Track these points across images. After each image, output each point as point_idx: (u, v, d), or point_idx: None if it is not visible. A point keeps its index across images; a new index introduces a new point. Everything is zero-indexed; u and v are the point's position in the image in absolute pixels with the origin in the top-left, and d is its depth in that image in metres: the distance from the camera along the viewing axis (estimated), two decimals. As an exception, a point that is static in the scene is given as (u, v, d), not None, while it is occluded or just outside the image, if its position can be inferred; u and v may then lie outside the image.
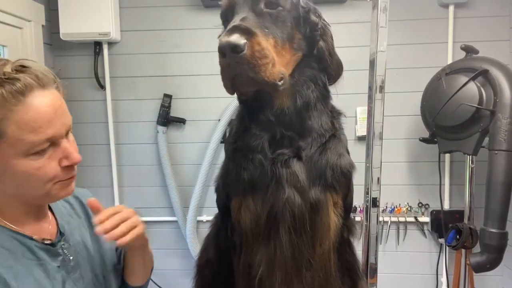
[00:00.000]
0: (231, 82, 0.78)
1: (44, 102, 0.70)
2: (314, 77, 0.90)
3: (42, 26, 2.12)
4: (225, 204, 0.97)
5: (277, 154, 0.88)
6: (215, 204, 1.04)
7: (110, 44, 2.24)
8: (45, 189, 0.74)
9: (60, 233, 0.83)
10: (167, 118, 2.22)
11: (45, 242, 0.79)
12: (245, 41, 0.72)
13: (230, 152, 0.97)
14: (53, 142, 0.72)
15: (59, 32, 2.11)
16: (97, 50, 2.22)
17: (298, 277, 0.88)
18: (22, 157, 0.69)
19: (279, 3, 0.82)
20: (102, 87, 2.25)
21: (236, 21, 0.77)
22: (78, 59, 2.26)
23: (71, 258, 0.82)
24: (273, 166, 0.87)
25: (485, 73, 1.71)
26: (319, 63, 0.90)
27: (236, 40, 0.71)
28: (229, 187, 0.95)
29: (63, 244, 0.82)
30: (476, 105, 1.68)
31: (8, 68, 0.70)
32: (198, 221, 2.28)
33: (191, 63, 2.21)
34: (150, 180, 2.31)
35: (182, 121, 2.25)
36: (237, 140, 0.95)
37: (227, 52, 0.73)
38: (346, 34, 2.12)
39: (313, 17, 0.88)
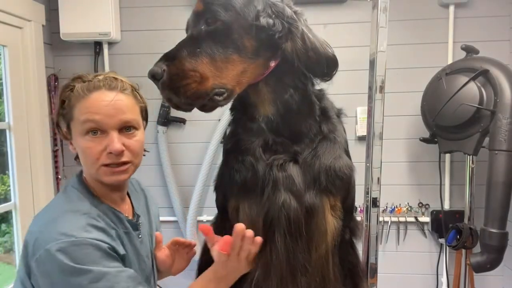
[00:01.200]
0: (170, 103, 0.82)
1: (102, 97, 0.88)
2: (292, 81, 0.87)
3: (42, 26, 2.12)
4: (222, 204, 0.97)
5: (273, 159, 0.88)
6: (215, 204, 1.04)
7: (110, 44, 2.24)
8: (94, 169, 0.89)
9: (136, 214, 1.02)
10: (167, 118, 2.22)
11: (129, 218, 0.98)
12: (164, 68, 0.78)
13: (224, 154, 0.98)
14: (103, 130, 0.87)
15: (59, 32, 2.11)
16: (97, 50, 2.22)
17: (293, 282, 0.87)
18: (81, 136, 0.88)
19: (218, 18, 0.80)
20: (102, 87, 2.25)
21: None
22: (78, 59, 2.26)
23: (141, 235, 1.00)
24: (270, 170, 0.86)
25: (485, 73, 1.71)
26: (294, 66, 0.85)
27: (154, 69, 0.79)
28: (224, 188, 0.96)
29: (140, 222, 1.01)
30: (476, 105, 1.68)
31: (100, 76, 0.92)
32: (198, 221, 2.28)
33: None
34: (150, 180, 2.31)
35: (182, 121, 2.25)
36: (230, 142, 0.96)
37: (151, 80, 0.80)
38: (346, 34, 2.12)
39: (264, 21, 0.81)
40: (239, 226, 0.86)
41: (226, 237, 0.86)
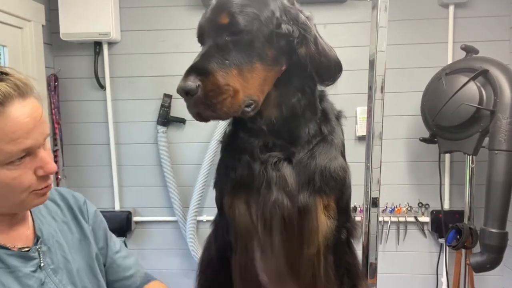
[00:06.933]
0: (198, 117, 0.81)
1: (24, 112, 0.71)
2: (300, 85, 0.88)
3: (42, 26, 2.12)
4: (220, 202, 0.98)
5: (267, 156, 0.88)
6: (215, 204, 1.04)
7: (110, 44, 2.24)
8: (20, 199, 0.73)
9: (37, 237, 0.83)
10: (167, 118, 2.22)
11: (20, 248, 0.78)
12: (198, 83, 0.75)
13: (222, 151, 0.99)
14: (30, 152, 0.72)
15: (59, 32, 2.11)
16: (97, 50, 2.22)
17: (284, 279, 0.88)
18: None
19: (242, 27, 0.79)
20: (102, 87, 2.25)
21: (197, 57, 0.80)
22: (78, 59, 2.26)
23: (51, 261, 0.82)
24: (264, 168, 0.87)
25: (485, 73, 1.70)
26: (305, 70, 0.86)
27: (189, 84, 0.74)
28: (220, 184, 0.97)
29: (39, 248, 0.81)
30: (476, 105, 1.68)
31: None
32: (198, 221, 2.28)
33: (191, 63, 2.21)
34: (150, 180, 2.31)
35: (182, 121, 2.25)
36: (229, 140, 0.96)
37: (183, 96, 0.77)
38: (346, 34, 2.12)
39: (285, 28, 0.83)
40: None
41: None
